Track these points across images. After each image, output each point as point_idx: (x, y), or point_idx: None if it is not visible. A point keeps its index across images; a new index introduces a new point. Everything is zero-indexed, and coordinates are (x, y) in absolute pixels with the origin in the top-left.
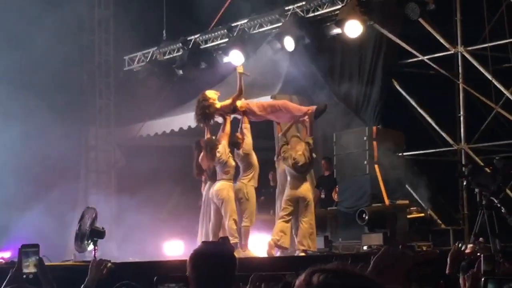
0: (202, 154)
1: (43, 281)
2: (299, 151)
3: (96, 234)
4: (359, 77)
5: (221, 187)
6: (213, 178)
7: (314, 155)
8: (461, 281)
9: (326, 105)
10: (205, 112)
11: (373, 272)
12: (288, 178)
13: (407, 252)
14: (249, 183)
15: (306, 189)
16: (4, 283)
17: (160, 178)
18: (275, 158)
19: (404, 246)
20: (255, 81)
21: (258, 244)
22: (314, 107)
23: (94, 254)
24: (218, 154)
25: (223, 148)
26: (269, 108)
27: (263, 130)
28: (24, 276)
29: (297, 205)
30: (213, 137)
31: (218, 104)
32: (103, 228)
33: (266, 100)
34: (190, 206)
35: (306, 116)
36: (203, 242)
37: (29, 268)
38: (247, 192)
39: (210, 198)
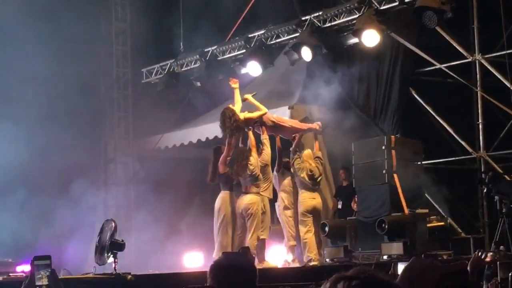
0: (222, 158)
1: None
2: (312, 164)
3: (116, 247)
4: (377, 86)
5: (252, 201)
6: (226, 187)
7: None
8: None
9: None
10: (238, 125)
11: (402, 283)
12: (301, 190)
13: (436, 263)
14: (266, 195)
15: (320, 202)
16: None
17: (179, 190)
18: (276, 171)
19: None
20: (272, 92)
21: (279, 255)
22: (320, 123)
23: (114, 266)
24: (251, 167)
25: (255, 161)
26: (278, 124)
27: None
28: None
29: (311, 216)
30: (246, 148)
31: (242, 116)
32: (122, 241)
33: (284, 110)
34: (208, 217)
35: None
36: (223, 253)
37: (42, 280)
38: (264, 204)
39: (236, 209)
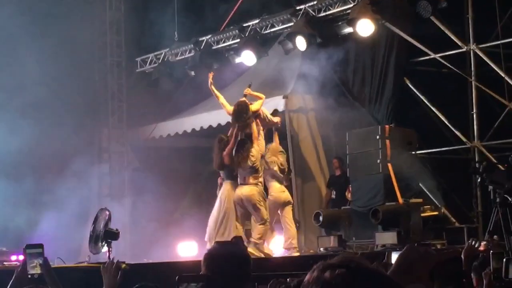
0: (227, 149)
1: (48, 281)
2: (280, 158)
3: (110, 236)
4: (372, 75)
5: (254, 191)
6: (230, 177)
7: None
8: (474, 282)
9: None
10: (250, 121)
11: (396, 271)
12: (272, 183)
13: (430, 251)
14: (261, 186)
15: (288, 194)
16: (9, 284)
17: (173, 179)
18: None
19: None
20: (267, 81)
21: (273, 244)
22: (280, 119)
23: (109, 255)
24: (252, 159)
25: (257, 153)
26: (265, 116)
27: None
28: (29, 277)
29: (282, 208)
30: (247, 140)
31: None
32: (117, 230)
33: (279, 100)
34: (203, 207)
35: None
36: (216, 242)
37: (35, 268)
38: (262, 195)
39: (236, 200)
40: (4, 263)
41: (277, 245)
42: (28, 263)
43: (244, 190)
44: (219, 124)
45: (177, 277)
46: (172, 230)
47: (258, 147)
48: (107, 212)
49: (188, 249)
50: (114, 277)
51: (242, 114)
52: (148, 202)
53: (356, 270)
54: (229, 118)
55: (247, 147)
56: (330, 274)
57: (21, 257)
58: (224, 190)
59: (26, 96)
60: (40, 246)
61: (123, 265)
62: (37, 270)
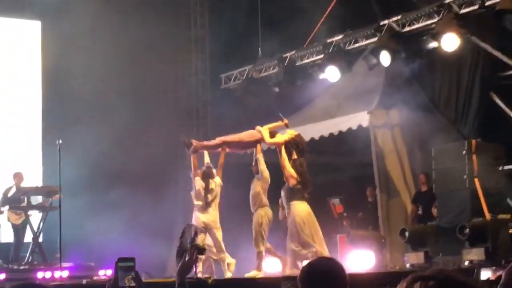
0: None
1: None
2: None
3: (197, 251)
4: (457, 90)
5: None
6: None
7: None
8: None
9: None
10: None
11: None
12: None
13: None
14: None
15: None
16: None
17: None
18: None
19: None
20: (350, 97)
21: (360, 260)
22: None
23: (195, 270)
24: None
25: None
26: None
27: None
28: None
29: None
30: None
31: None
32: (203, 245)
33: (363, 116)
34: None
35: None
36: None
37: (126, 282)
38: None
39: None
40: (94, 277)
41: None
42: (119, 277)
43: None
44: None
45: None
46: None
47: None
48: (194, 228)
49: (272, 265)
50: (191, 260)
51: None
52: (236, 218)
53: (446, 282)
54: (315, 135)
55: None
56: (420, 286)
57: (109, 272)
58: (304, 210)
59: (114, 113)
60: (132, 259)
61: (210, 280)
62: (129, 283)
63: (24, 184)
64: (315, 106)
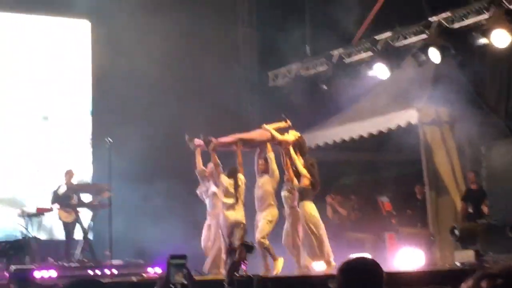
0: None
1: None
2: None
3: (246, 249)
4: (508, 87)
5: None
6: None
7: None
8: None
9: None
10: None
11: None
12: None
13: None
14: None
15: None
16: None
17: None
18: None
19: None
20: (399, 94)
21: (409, 258)
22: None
23: (244, 268)
24: None
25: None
26: None
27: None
28: (173, 287)
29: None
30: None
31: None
32: (252, 243)
33: (412, 113)
34: (331, 224)
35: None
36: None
37: (178, 278)
38: None
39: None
40: (143, 274)
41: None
42: (171, 273)
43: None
44: (351, 138)
45: None
46: None
47: None
48: (243, 226)
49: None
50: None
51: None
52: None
53: None
54: (363, 132)
55: None
56: (487, 284)
57: (158, 270)
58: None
59: (160, 109)
60: (184, 257)
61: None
62: (181, 280)
63: (74, 181)
64: (362, 104)
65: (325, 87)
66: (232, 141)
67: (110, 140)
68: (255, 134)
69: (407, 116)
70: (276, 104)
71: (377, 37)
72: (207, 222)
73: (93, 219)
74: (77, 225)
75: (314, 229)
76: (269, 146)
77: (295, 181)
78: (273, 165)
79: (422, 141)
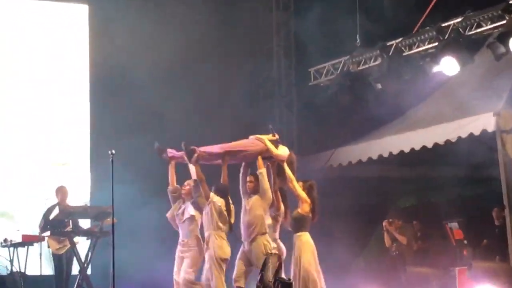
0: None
1: None
2: None
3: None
4: None
5: None
6: None
7: None
8: None
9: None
10: None
11: None
12: None
13: None
14: None
15: None
16: None
17: (355, 217)
18: None
19: None
20: (472, 95)
21: None
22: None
23: None
24: None
25: None
26: None
27: None
28: None
29: None
30: None
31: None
32: (289, 280)
33: (488, 118)
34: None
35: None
36: None
37: None
38: None
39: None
40: None
41: None
42: None
43: None
44: (412, 149)
45: None
46: (352, 280)
47: None
48: (277, 258)
49: None
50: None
51: None
52: (326, 240)
53: None
54: (426, 142)
55: None
56: None
57: None
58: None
59: (175, 115)
60: None
61: None
62: None
63: (69, 200)
64: (426, 107)
65: (379, 85)
66: (218, 153)
67: (113, 152)
68: (245, 145)
69: (481, 122)
70: (320, 107)
71: (444, 25)
72: (179, 254)
73: (91, 250)
74: (72, 257)
75: (316, 265)
76: (260, 160)
77: (282, 207)
78: (266, 184)
79: (500, 152)
